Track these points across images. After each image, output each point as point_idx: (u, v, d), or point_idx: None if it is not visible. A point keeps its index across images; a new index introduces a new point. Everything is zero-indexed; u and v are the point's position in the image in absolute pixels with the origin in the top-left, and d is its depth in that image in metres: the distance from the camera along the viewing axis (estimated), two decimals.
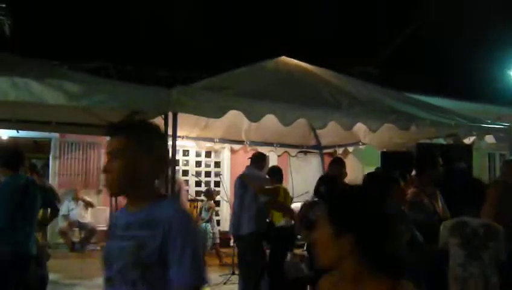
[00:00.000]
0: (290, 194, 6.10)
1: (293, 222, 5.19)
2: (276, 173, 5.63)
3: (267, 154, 10.67)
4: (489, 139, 6.68)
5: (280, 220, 5.24)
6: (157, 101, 4.28)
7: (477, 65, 12.08)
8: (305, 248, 5.04)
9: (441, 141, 7.46)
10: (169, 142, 4.58)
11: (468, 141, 7.12)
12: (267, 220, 5.57)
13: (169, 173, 4.65)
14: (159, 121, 4.79)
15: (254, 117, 4.69)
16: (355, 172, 11.35)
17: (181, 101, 4.26)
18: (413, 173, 4.77)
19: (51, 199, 5.46)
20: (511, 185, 4.49)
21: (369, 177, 4.03)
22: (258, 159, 6.07)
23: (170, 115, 4.44)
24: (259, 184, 5.57)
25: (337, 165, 5.49)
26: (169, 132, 4.49)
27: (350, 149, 10.00)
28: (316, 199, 4.54)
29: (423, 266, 2.98)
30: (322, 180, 4.60)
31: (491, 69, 11.43)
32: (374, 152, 9.25)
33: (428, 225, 3.35)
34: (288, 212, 5.18)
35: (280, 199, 5.42)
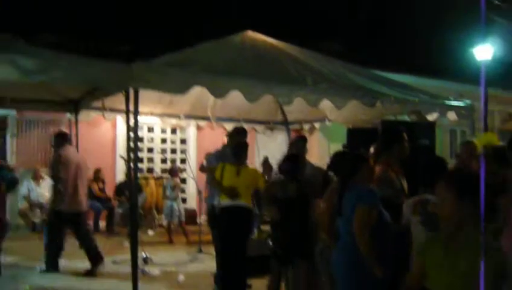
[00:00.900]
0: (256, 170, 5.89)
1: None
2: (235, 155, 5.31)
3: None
4: (452, 116, 6.80)
5: (223, 199, 5.05)
6: (117, 77, 4.12)
7: (440, 42, 12.26)
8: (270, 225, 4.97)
9: (405, 118, 7.56)
10: (131, 119, 4.48)
11: (431, 117, 7.25)
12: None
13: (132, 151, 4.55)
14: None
15: (219, 93, 4.60)
16: (321, 148, 11.48)
17: (143, 77, 4.12)
18: (371, 150, 4.78)
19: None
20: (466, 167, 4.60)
21: (337, 155, 4.04)
22: (230, 136, 5.95)
23: (131, 90, 4.29)
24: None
25: (300, 143, 5.43)
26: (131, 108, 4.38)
27: (316, 125, 10.04)
28: (282, 177, 4.50)
29: (389, 245, 3.00)
30: (285, 159, 4.56)
31: (454, 46, 11.60)
32: (340, 129, 9.34)
33: (395, 203, 3.37)
34: (223, 191, 5.01)
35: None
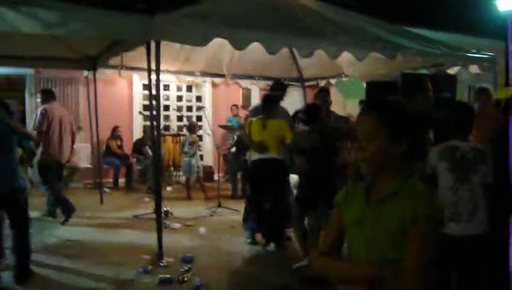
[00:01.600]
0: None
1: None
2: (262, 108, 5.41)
3: (248, 87, 10.61)
4: (474, 69, 6.69)
5: (254, 153, 5.21)
6: (138, 29, 4.09)
7: None
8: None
9: (424, 71, 7.45)
10: (153, 75, 4.47)
11: (451, 71, 7.13)
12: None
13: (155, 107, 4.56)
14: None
15: (239, 45, 4.54)
16: (338, 104, 11.39)
17: (164, 28, 4.09)
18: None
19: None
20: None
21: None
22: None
23: (153, 44, 4.27)
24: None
25: (323, 94, 5.46)
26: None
27: (332, 81, 9.97)
28: (305, 128, 4.58)
29: None
30: (305, 108, 4.66)
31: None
32: (356, 84, 9.24)
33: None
34: (252, 146, 5.17)
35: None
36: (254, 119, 5.21)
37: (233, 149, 8.44)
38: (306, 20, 5.58)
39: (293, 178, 5.36)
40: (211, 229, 5.96)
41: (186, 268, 4.39)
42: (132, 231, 5.91)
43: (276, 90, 5.74)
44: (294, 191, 4.69)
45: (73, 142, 6.64)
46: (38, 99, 6.77)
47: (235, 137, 8.27)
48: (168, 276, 4.16)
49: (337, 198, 1.75)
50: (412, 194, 1.53)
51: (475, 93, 6.31)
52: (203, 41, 4.29)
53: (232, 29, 4.51)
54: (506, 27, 5.99)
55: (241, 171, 8.24)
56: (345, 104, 10.79)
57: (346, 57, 8.49)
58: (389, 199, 1.56)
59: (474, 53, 6.66)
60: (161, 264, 4.49)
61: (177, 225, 6.06)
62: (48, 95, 6.46)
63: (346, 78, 9.53)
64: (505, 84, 7.21)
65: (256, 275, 4.44)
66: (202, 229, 5.84)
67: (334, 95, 11.33)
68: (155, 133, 4.59)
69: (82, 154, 9.39)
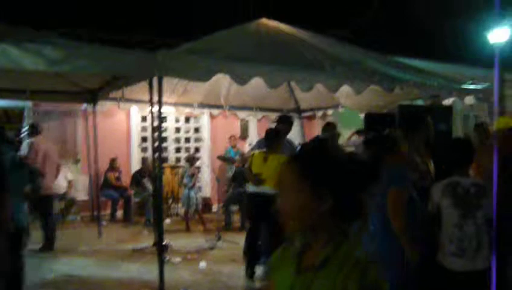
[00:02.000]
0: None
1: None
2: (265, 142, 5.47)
3: (246, 118, 10.67)
4: (469, 100, 6.78)
5: (251, 186, 5.30)
6: (141, 65, 4.14)
7: (454, 27, 12.14)
8: None
9: (420, 102, 7.54)
10: (155, 108, 4.50)
11: (447, 102, 7.23)
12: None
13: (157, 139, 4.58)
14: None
15: (242, 80, 4.60)
16: None
17: (167, 65, 4.14)
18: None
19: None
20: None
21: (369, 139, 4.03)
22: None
23: (155, 79, 4.32)
24: None
25: (329, 128, 5.61)
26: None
27: (329, 112, 10.06)
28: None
29: (419, 228, 3.03)
30: (311, 142, 4.71)
31: (467, 30, 11.49)
32: (353, 115, 9.34)
33: (421, 186, 3.39)
34: (249, 178, 5.27)
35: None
36: (257, 152, 5.25)
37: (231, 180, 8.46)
38: (305, 54, 5.68)
39: None
40: (212, 263, 5.90)
41: None
42: (132, 265, 5.84)
43: (282, 123, 5.80)
44: None
45: (57, 174, 6.93)
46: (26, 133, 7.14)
47: (234, 168, 8.30)
48: None
49: (269, 262, 1.52)
50: (343, 263, 1.28)
51: (473, 128, 6.41)
52: (206, 76, 4.35)
53: (234, 64, 4.58)
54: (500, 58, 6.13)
55: (238, 203, 8.25)
56: (343, 135, 10.84)
57: (344, 88, 8.63)
58: (320, 269, 1.30)
59: (469, 84, 6.76)
60: None
61: (177, 259, 6.00)
62: (34, 129, 6.80)
63: (342, 109, 9.62)
64: (498, 113, 7.31)
65: None
66: (203, 264, 5.78)
67: None
68: (156, 165, 4.61)
69: (80, 187, 9.35)
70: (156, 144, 4.61)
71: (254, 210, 5.19)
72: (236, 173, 8.26)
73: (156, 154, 4.52)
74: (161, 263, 4.56)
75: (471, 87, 6.70)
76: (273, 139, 5.14)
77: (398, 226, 2.85)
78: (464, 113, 12.28)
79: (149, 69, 4.12)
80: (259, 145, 5.59)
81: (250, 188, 5.27)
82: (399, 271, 2.93)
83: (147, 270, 5.34)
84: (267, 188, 4.97)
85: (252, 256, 5.22)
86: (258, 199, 5.05)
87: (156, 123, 4.57)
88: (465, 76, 8.84)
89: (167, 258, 5.88)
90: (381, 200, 2.96)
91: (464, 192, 3.04)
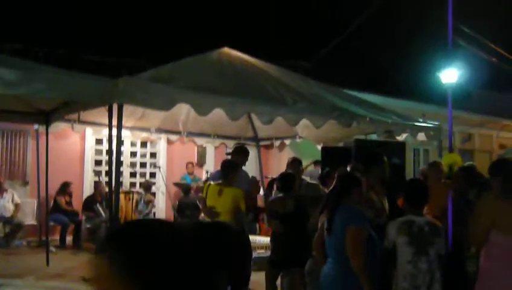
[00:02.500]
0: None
1: None
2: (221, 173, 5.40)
3: (204, 145, 10.63)
4: (421, 136, 7.05)
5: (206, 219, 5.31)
6: (102, 91, 4.07)
7: (405, 65, 12.71)
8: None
9: (374, 137, 7.79)
10: (114, 133, 4.41)
11: (400, 137, 7.50)
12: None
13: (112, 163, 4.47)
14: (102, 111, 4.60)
15: (203, 111, 4.60)
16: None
17: (128, 92, 4.08)
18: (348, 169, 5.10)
19: None
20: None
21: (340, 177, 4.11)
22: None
23: (115, 105, 4.25)
24: None
25: (296, 163, 5.83)
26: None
27: (287, 142, 10.16)
28: (280, 195, 4.89)
29: (378, 264, 3.08)
30: (282, 177, 4.90)
31: (418, 68, 12.04)
32: (310, 146, 9.51)
33: (376, 223, 3.46)
34: (203, 210, 5.25)
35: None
36: (212, 183, 5.12)
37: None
38: (266, 87, 5.75)
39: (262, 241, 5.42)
40: None
41: None
42: None
43: (237, 155, 5.75)
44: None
45: None
46: None
47: (176, 202, 8.19)
48: None
49: None
50: None
51: (426, 167, 6.68)
52: (168, 106, 4.32)
53: (196, 95, 4.57)
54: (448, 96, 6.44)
55: None
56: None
57: (302, 121, 8.77)
58: None
59: (421, 122, 7.04)
60: None
61: None
62: None
63: (300, 140, 9.75)
64: (448, 149, 7.67)
65: None
66: None
67: (288, 155, 11.59)
68: (112, 190, 4.47)
69: (27, 210, 8.96)
70: (113, 167, 4.47)
71: None
72: (182, 204, 8.17)
73: (111, 178, 4.38)
74: None
75: (423, 125, 6.98)
76: (228, 171, 5.02)
77: (357, 265, 2.88)
78: (414, 147, 12.76)
79: (108, 96, 4.05)
80: (215, 176, 5.52)
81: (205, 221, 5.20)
82: None
83: None
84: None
85: None
86: None
87: (113, 147, 4.46)
88: (416, 111, 9.20)
89: None
90: (340, 235, 3.00)
91: (418, 230, 3.13)
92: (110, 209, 4.39)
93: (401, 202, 3.88)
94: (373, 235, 3.10)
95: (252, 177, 5.74)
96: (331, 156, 6.96)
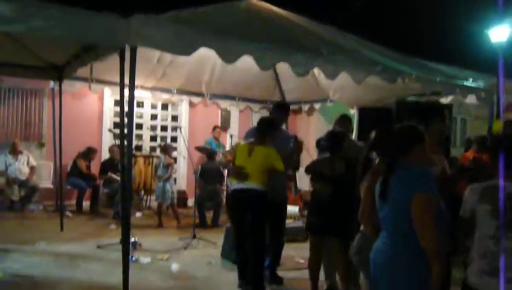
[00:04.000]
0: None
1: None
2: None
3: (228, 108, 10.05)
4: (471, 99, 6.32)
5: (233, 180, 4.71)
6: (111, 31, 3.46)
7: (449, 24, 11.71)
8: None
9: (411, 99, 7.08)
10: (126, 83, 3.83)
11: (444, 100, 6.78)
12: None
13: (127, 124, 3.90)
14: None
15: (229, 57, 3.96)
16: (320, 131, 10.93)
17: (143, 33, 3.47)
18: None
19: None
20: None
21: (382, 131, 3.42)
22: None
23: (128, 51, 3.65)
24: None
25: (346, 120, 5.08)
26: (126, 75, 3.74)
27: (316, 106, 9.56)
28: (326, 155, 4.20)
29: (446, 238, 2.46)
30: (331, 135, 4.22)
31: (466, 28, 11.06)
32: (342, 110, 8.79)
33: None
34: (231, 171, 4.75)
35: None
36: (242, 143, 4.62)
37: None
38: (299, 37, 5.09)
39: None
40: (185, 265, 5.26)
41: None
42: (94, 264, 5.16)
43: (276, 111, 5.13)
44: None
45: None
46: None
47: (199, 167, 7.69)
48: None
49: None
50: None
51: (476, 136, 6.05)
52: (188, 50, 3.69)
53: (222, 39, 3.94)
54: (497, 61, 5.65)
55: (211, 201, 7.67)
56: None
57: (332, 82, 8.07)
58: None
59: (472, 83, 6.26)
60: None
61: (146, 259, 5.33)
62: None
63: (331, 104, 9.10)
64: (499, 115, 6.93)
65: None
66: (175, 266, 5.13)
67: (317, 121, 10.93)
68: (125, 153, 3.92)
69: (43, 173, 8.59)
70: (125, 122, 3.88)
71: (235, 208, 4.58)
72: (205, 169, 7.64)
73: (123, 137, 3.81)
74: (126, 265, 3.89)
75: (474, 85, 6.21)
76: (264, 128, 4.49)
77: (428, 243, 2.26)
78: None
79: (121, 36, 3.44)
80: (249, 134, 4.93)
81: (233, 183, 4.65)
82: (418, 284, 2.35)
83: (111, 272, 4.67)
84: (251, 184, 4.37)
85: (241, 260, 4.62)
86: (240, 195, 4.43)
87: (126, 102, 3.88)
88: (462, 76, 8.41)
89: (134, 258, 5.24)
90: (402, 203, 2.37)
91: (507, 198, 2.44)
92: (122, 175, 3.84)
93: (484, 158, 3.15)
94: (441, 206, 2.47)
95: (295, 135, 5.09)
96: (368, 118, 6.28)
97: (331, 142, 4.16)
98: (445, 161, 3.39)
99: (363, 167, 3.14)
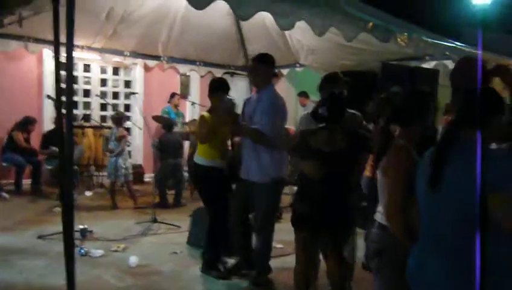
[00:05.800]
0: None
1: None
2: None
3: (187, 73, 9.14)
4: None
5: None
6: None
7: None
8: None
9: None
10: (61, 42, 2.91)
11: (428, 65, 6.23)
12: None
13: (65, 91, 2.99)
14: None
15: (199, 2, 3.10)
16: (287, 99, 10.20)
17: None
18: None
19: None
20: None
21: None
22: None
23: None
24: None
25: (339, 81, 3.86)
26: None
27: (284, 72, 8.90)
28: (319, 126, 3.12)
29: None
30: (326, 99, 3.13)
31: None
32: (312, 76, 8.07)
33: None
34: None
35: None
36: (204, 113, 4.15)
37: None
38: None
39: None
40: (146, 257, 4.44)
41: None
42: (34, 260, 4.27)
43: (262, 67, 4.06)
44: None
45: None
46: None
47: (157, 139, 6.90)
48: None
49: None
50: None
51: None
52: None
53: None
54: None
55: (172, 177, 6.90)
56: (296, 100, 9.61)
57: (304, 43, 7.32)
58: None
59: (464, 47, 5.67)
60: None
61: (98, 252, 4.48)
62: None
63: (300, 69, 8.41)
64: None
65: None
66: (133, 259, 4.30)
67: (285, 87, 10.18)
68: (65, 124, 3.02)
69: None
70: (65, 95, 3.00)
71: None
72: (163, 142, 6.80)
73: (59, 103, 2.95)
74: (70, 261, 3.00)
75: (466, 49, 5.63)
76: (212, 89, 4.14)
77: None
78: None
79: None
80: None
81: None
82: None
83: (54, 269, 3.83)
84: (197, 158, 4.15)
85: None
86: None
87: (64, 60, 2.96)
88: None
89: (83, 250, 4.40)
90: (462, 202, 1.67)
91: None
92: (61, 150, 2.94)
93: None
94: None
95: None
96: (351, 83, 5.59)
97: (333, 108, 3.08)
98: None
99: (382, 144, 2.37)
